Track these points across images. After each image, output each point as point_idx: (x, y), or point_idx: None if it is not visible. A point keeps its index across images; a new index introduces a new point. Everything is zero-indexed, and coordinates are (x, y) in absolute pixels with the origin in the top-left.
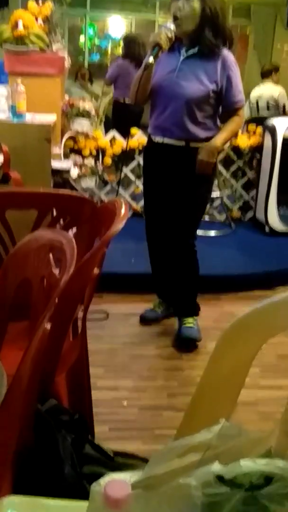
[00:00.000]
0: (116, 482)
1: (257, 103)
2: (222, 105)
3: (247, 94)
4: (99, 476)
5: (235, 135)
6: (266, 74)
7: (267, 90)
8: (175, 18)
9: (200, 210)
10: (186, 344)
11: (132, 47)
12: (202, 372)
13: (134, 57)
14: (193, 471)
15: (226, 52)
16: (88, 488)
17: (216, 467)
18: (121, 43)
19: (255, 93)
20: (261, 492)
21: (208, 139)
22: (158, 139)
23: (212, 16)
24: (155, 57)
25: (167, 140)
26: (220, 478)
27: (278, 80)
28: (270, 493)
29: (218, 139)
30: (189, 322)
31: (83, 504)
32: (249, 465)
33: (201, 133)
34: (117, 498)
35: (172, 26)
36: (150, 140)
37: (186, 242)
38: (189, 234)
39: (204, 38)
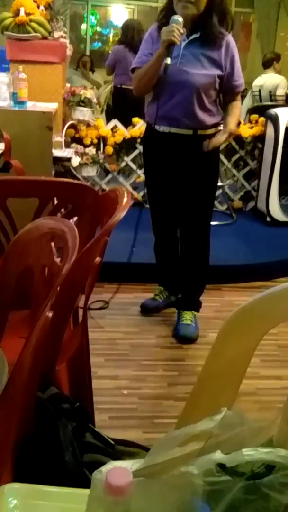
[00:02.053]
0: (118, 470)
1: (259, 92)
2: (224, 89)
3: (250, 83)
4: (99, 464)
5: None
6: (267, 64)
7: (269, 80)
8: (186, 1)
9: (212, 198)
10: (181, 341)
11: (128, 33)
12: (203, 362)
13: (130, 42)
14: (194, 459)
15: (229, 36)
16: (89, 476)
17: (218, 455)
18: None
19: (258, 82)
20: (263, 481)
21: (214, 125)
22: (163, 128)
23: (217, 1)
24: (171, 56)
25: (174, 130)
26: (221, 467)
27: (280, 69)
28: (272, 481)
29: (232, 124)
30: (187, 318)
31: (84, 492)
32: (251, 454)
33: (208, 120)
34: (119, 486)
35: (180, 19)
36: (152, 129)
37: (202, 233)
38: (205, 224)
39: (210, 23)
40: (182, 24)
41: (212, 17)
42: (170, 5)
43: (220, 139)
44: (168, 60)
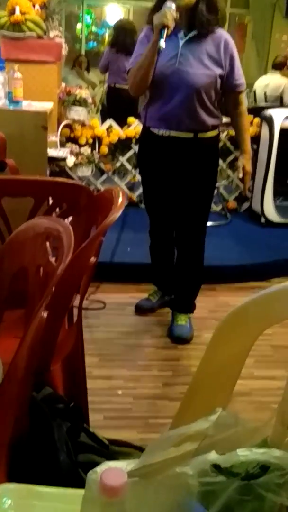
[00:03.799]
0: (113, 470)
1: (254, 93)
2: (225, 89)
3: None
4: (94, 464)
5: None
6: (278, 66)
7: (273, 81)
8: None
9: (210, 201)
10: (176, 342)
11: (119, 35)
12: (197, 362)
13: (121, 45)
14: (189, 460)
15: (226, 34)
16: (84, 476)
17: (213, 456)
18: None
19: (262, 82)
20: (257, 481)
21: (214, 127)
22: (162, 132)
23: None
24: (165, 40)
25: (173, 133)
26: (216, 467)
27: (287, 74)
28: (266, 482)
29: (248, 145)
30: (182, 319)
31: (79, 492)
32: (246, 454)
33: (210, 121)
34: (114, 486)
35: (173, 5)
36: (149, 132)
37: (197, 236)
38: (201, 227)
39: (198, 13)
40: (175, 10)
41: (199, 6)
42: (159, 5)
43: (248, 168)
44: (162, 43)
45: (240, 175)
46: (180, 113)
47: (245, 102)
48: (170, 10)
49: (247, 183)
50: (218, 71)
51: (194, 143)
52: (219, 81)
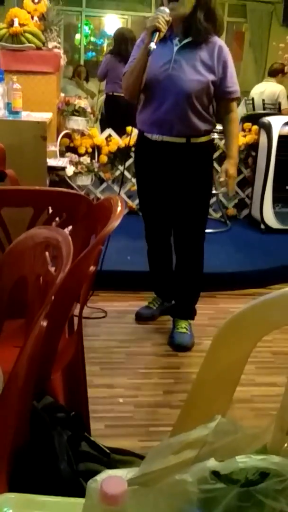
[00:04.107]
0: (113, 479)
1: (252, 100)
2: (217, 95)
3: (243, 92)
4: (95, 473)
5: None
6: (274, 73)
7: (269, 88)
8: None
9: (207, 206)
10: (177, 349)
11: (121, 43)
12: (198, 370)
13: (121, 53)
14: (189, 467)
15: (221, 41)
16: (84, 485)
17: (212, 463)
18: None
19: (258, 89)
20: (257, 488)
21: (207, 132)
22: (155, 137)
23: (205, 1)
24: (156, 42)
25: (166, 138)
26: (216, 474)
27: (282, 81)
28: (266, 488)
29: (235, 151)
30: (182, 326)
31: (79, 501)
32: (245, 461)
33: (202, 127)
34: (114, 494)
35: (167, 10)
36: (144, 138)
37: (196, 242)
38: (200, 232)
39: (195, 21)
40: (168, 14)
41: (197, 15)
42: None
43: (232, 172)
44: (152, 45)
45: (222, 179)
46: (172, 118)
47: (237, 109)
48: (163, 14)
49: (230, 185)
50: (211, 77)
51: (187, 148)
52: (211, 87)
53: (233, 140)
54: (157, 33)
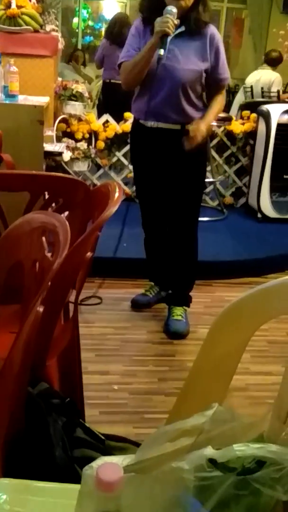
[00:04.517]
0: (108, 466)
1: (251, 88)
2: (209, 82)
3: (242, 79)
4: (90, 459)
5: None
6: (272, 62)
7: (264, 75)
8: None
9: (200, 194)
10: (172, 337)
11: (114, 27)
12: (193, 357)
13: (114, 37)
14: (185, 455)
15: (213, 29)
16: (79, 471)
17: (209, 451)
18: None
19: (253, 77)
20: (254, 476)
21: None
22: (151, 123)
23: None
24: (165, 47)
25: (161, 125)
26: (212, 462)
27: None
28: (263, 477)
29: (210, 116)
30: (178, 314)
31: (75, 487)
32: (242, 449)
33: (195, 114)
34: (109, 481)
35: (174, 9)
36: (139, 125)
37: (190, 228)
38: (193, 219)
39: (195, 13)
40: (176, 15)
41: (199, 7)
42: None
43: (202, 129)
44: (162, 51)
45: (191, 134)
46: (166, 107)
47: (225, 94)
48: (172, 17)
49: (191, 139)
50: (204, 65)
51: (182, 134)
52: (204, 75)
53: (212, 111)
54: (167, 38)
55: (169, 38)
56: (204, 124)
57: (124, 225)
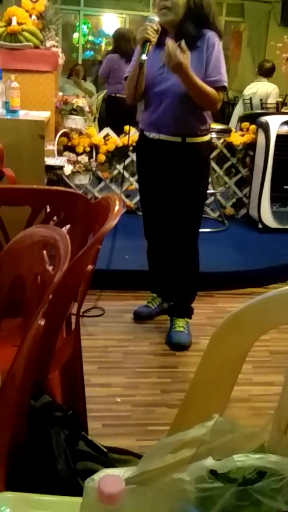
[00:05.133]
0: (110, 478)
1: (250, 100)
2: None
3: (241, 91)
4: (92, 472)
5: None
6: (266, 73)
7: (262, 87)
8: (161, 8)
9: (201, 206)
10: (175, 348)
11: (121, 42)
12: (196, 369)
13: (123, 51)
14: (186, 466)
15: (210, 34)
16: (82, 484)
17: (210, 462)
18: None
19: (250, 90)
20: (254, 487)
21: (202, 131)
22: (153, 135)
23: (196, 8)
24: (147, 53)
25: (163, 137)
26: (213, 473)
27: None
28: (263, 487)
29: (184, 59)
30: (180, 325)
31: (77, 500)
32: (242, 460)
33: (197, 126)
34: (111, 493)
35: (156, 18)
36: (143, 136)
37: (190, 240)
38: (193, 231)
39: (185, 28)
40: (157, 23)
41: (187, 23)
42: None
43: (171, 54)
44: (144, 57)
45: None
46: (168, 120)
47: (220, 98)
48: (152, 24)
49: (168, 54)
50: (202, 76)
51: (182, 147)
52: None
53: (200, 81)
54: (148, 44)
55: (151, 45)
56: (183, 57)
57: (126, 237)
